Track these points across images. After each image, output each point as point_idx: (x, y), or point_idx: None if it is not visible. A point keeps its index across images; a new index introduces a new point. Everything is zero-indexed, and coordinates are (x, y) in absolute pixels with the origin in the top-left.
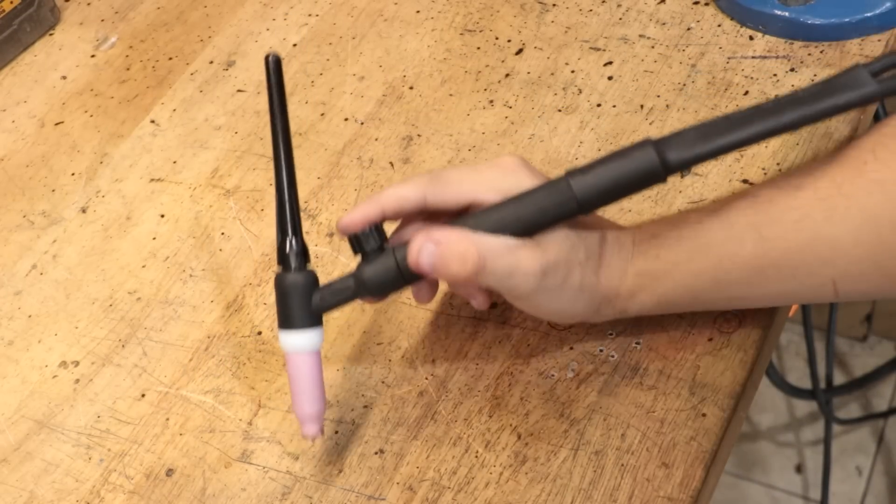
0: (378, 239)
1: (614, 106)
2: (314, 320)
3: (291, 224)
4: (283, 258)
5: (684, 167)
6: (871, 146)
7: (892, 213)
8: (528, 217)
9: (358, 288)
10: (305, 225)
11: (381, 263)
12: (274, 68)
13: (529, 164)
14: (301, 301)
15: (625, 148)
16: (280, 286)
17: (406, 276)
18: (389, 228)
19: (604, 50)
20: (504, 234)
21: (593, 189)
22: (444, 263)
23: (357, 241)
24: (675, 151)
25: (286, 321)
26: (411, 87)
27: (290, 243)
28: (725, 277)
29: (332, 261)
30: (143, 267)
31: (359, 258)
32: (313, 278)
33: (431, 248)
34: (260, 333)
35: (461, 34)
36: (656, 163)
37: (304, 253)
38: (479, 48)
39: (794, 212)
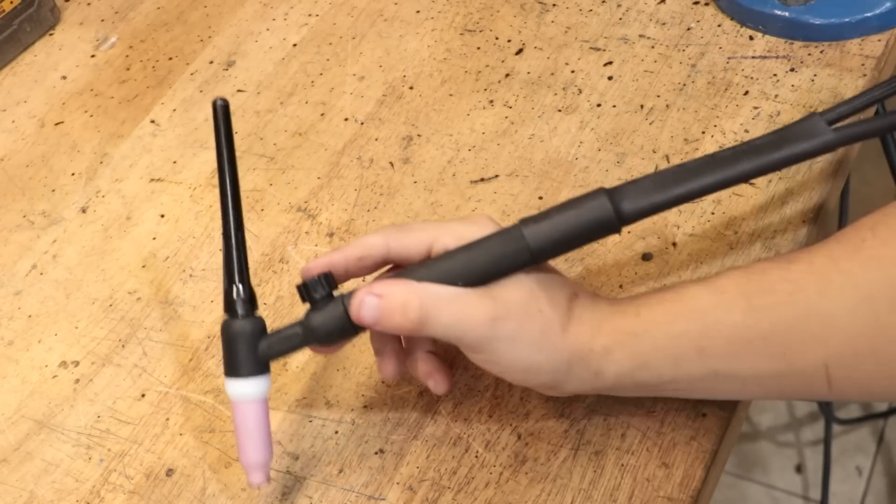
0: (326, 287)
1: (614, 106)
2: (261, 368)
3: (238, 270)
4: (229, 305)
5: (639, 217)
6: (870, 224)
7: (889, 293)
8: (479, 265)
9: (306, 336)
10: (305, 225)
11: (330, 312)
12: (222, 113)
13: (499, 224)
14: (247, 349)
15: (579, 197)
16: (226, 333)
17: (355, 325)
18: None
19: (604, 50)
20: (455, 284)
21: (547, 238)
22: (387, 315)
23: (305, 290)
24: (629, 201)
25: (232, 369)
26: (411, 87)
27: (237, 290)
28: (710, 346)
29: None
30: (143, 267)
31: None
32: (260, 325)
33: (373, 300)
34: None
35: (461, 34)
36: (610, 213)
37: (251, 300)
38: (479, 48)
39: (788, 284)
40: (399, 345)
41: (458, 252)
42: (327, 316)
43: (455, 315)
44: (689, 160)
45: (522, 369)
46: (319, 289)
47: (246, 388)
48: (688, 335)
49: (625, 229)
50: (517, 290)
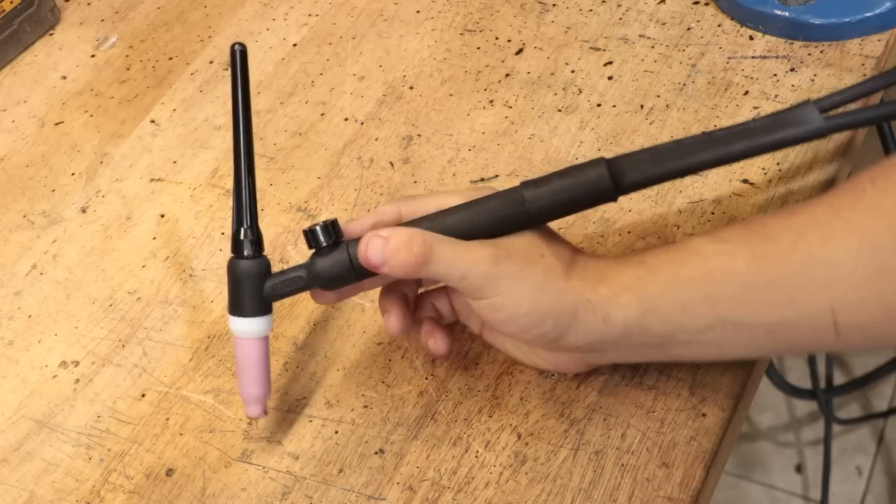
0: (332, 235)
1: (614, 106)
2: (264, 307)
3: (247, 213)
4: (237, 245)
5: (635, 189)
6: (869, 177)
7: (892, 240)
8: (480, 222)
9: (310, 279)
10: (305, 224)
11: (334, 257)
12: (240, 59)
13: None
14: (252, 288)
15: (579, 164)
16: (233, 273)
17: (358, 271)
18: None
19: (604, 50)
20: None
21: (546, 201)
22: (393, 253)
23: (312, 236)
24: (627, 173)
25: (237, 308)
26: (411, 87)
27: (246, 231)
28: (717, 291)
29: None
30: (143, 267)
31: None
32: (266, 266)
33: (379, 241)
34: None
35: (461, 34)
36: (608, 182)
37: (258, 241)
38: (479, 48)
39: (790, 233)
40: (405, 302)
41: (460, 208)
42: (332, 261)
43: (458, 252)
44: (685, 136)
45: (526, 312)
46: (326, 237)
47: (249, 327)
48: (694, 280)
49: (625, 228)
50: (518, 239)
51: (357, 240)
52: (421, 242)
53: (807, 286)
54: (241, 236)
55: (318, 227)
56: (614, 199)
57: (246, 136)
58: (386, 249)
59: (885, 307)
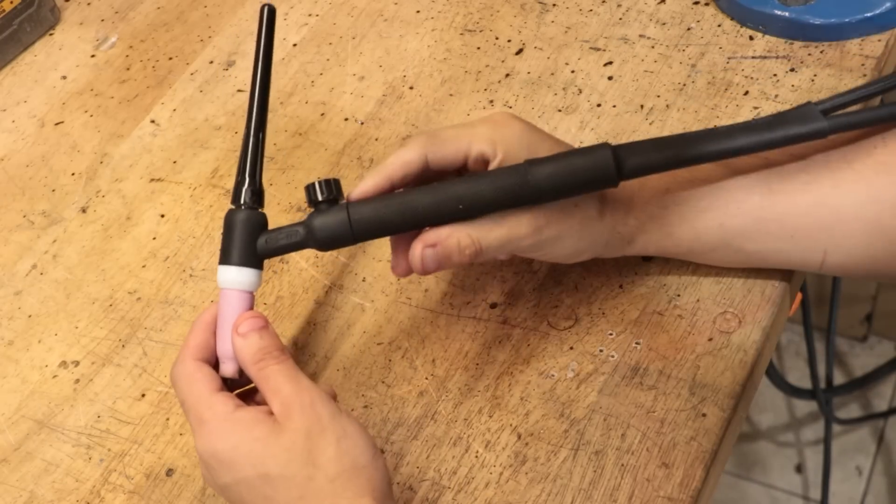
0: (333, 192)
1: (614, 106)
2: (255, 261)
3: (251, 167)
4: (236, 196)
5: (636, 175)
6: (881, 137)
7: (893, 197)
8: (485, 194)
9: (307, 237)
10: None
11: (334, 216)
12: (268, 18)
13: (518, 116)
14: (245, 239)
15: (585, 147)
16: (228, 222)
17: (356, 234)
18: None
19: (604, 50)
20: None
21: (548, 179)
22: (446, 257)
23: (311, 191)
24: (630, 158)
25: (226, 256)
26: (411, 87)
27: (247, 183)
28: (730, 223)
29: (333, 261)
30: (143, 267)
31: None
32: (262, 220)
33: (430, 251)
34: None
35: (461, 34)
36: (611, 166)
37: (258, 194)
38: (479, 48)
39: (804, 175)
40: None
41: (467, 180)
42: (329, 220)
43: (503, 236)
44: (689, 131)
45: (568, 255)
46: (323, 192)
47: (237, 276)
48: (711, 211)
49: None
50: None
51: (356, 203)
52: (469, 243)
53: (810, 226)
54: (243, 187)
55: (316, 182)
56: (615, 184)
57: (262, 91)
58: (440, 257)
59: (869, 258)
